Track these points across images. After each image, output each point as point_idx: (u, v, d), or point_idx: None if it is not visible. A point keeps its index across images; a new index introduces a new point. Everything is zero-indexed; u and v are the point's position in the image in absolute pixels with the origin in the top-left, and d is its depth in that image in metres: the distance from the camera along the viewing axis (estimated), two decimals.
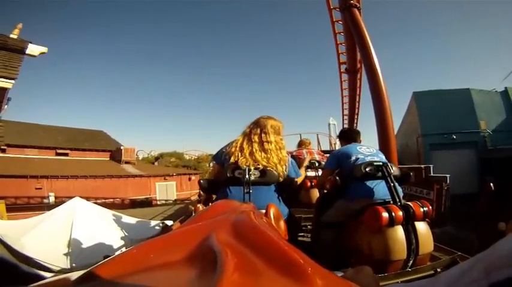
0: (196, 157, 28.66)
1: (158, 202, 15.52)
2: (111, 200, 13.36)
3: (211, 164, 1.46)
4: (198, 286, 0.29)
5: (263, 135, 1.46)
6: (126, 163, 17.10)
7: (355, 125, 11.73)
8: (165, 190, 16.55)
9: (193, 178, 18.07)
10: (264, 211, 0.77)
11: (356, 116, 11.55)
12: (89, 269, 0.33)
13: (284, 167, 1.43)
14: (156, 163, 23.07)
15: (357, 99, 10.89)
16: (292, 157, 3.20)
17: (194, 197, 15.09)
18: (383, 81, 5.56)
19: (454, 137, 10.42)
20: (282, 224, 0.85)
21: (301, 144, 3.43)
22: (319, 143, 11.67)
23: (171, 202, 15.61)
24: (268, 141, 1.44)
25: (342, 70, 9.89)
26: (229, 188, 1.37)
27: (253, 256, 0.34)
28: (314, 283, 0.29)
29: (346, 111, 12.13)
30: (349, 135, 1.94)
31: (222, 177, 1.41)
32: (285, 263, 0.32)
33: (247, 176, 1.33)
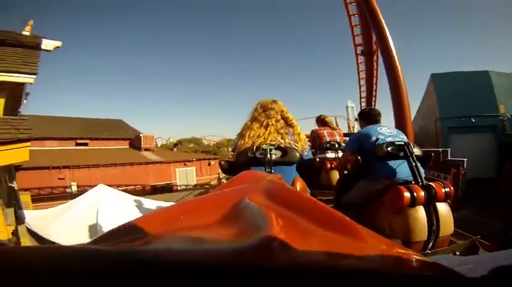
0: (215, 142, 29.90)
1: (179, 187, 16.47)
2: (133, 187, 14.05)
3: (229, 155, 1.61)
4: (242, 241, 0.28)
5: (276, 115, 1.55)
6: (146, 150, 18.09)
7: (373, 107, 11.87)
8: (185, 176, 17.56)
9: (212, 162, 18.97)
10: None
11: (374, 98, 12.05)
12: (117, 226, 0.34)
13: (302, 146, 1.53)
14: (174, 149, 24.38)
15: (374, 81, 11.34)
16: (313, 135, 3.41)
17: (214, 182, 15.68)
18: (399, 64, 5.83)
19: (473, 120, 10.74)
20: None
21: (323, 122, 3.48)
22: (337, 125, 11.82)
23: (191, 186, 16.66)
24: (280, 121, 1.53)
25: (358, 52, 10.27)
26: (250, 169, 1.43)
27: (295, 214, 0.35)
28: (366, 240, 0.30)
29: (363, 94, 12.67)
30: (369, 116, 2.00)
31: (242, 158, 1.51)
32: (333, 222, 0.33)
33: (268, 155, 1.42)
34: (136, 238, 0.32)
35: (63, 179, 13.30)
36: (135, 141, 18.30)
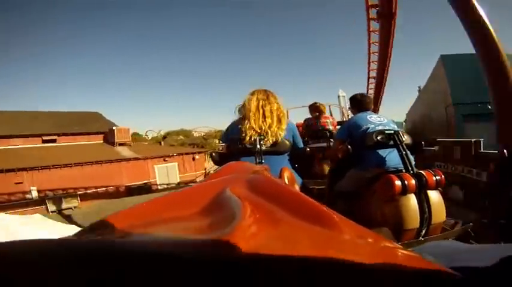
0: (203, 134, 29.60)
1: (159, 187, 15.40)
2: (104, 188, 13.14)
3: (220, 147, 1.66)
4: (211, 233, 0.29)
5: (266, 105, 1.57)
6: (120, 144, 16.66)
7: (383, 87, 11.68)
8: (166, 173, 16.34)
9: (197, 157, 17.84)
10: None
11: (385, 76, 10.97)
12: (96, 221, 0.35)
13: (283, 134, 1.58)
14: (162, 143, 23.82)
15: (388, 55, 9.87)
16: (306, 124, 3.45)
17: (200, 178, 15.14)
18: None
19: (490, 107, 9.44)
20: (297, 188, 0.96)
21: (316, 110, 3.47)
22: (331, 114, 11.96)
23: (174, 185, 15.44)
24: (271, 111, 1.56)
25: (371, 16, 8.43)
26: (240, 159, 1.50)
27: (273, 206, 0.35)
28: (342, 230, 0.30)
29: (373, 74, 11.58)
30: (360, 103, 2.02)
31: (233, 149, 1.57)
32: (309, 212, 0.33)
33: (258, 145, 1.48)
34: (114, 231, 0.33)
35: (21, 183, 11.75)
36: (108, 136, 16.81)
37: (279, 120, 1.58)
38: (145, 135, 26.14)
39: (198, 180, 14.87)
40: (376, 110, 10.37)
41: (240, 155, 1.55)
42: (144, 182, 14.94)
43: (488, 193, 2.59)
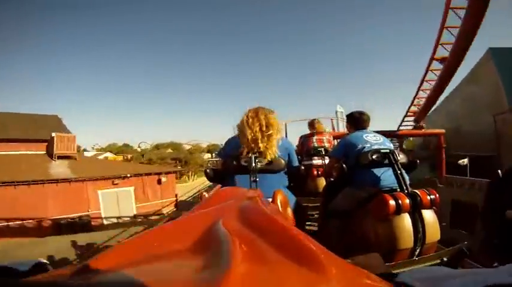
0: (190, 147, 30.34)
1: (104, 221, 13.27)
2: (19, 222, 11.27)
3: (215, 161, 1.94)
4: (204, 277, 0.33)
5: (264, 123, 1.84)
6: (61, 157, 14.34)
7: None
8: (116, 201, 14.04)
9: (164, 179, 15.49)
10: (270, 199, 1.02)
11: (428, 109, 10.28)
12: (88, 260, 0.39)
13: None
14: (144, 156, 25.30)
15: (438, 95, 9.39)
16: (301, 142, 3.94)
17: (169, 210, 13.91)
18: None
19: None
20: (289, 211, 1.17)
21: (312, 127, 4.01)
22: (333, 128, 12.86)
23: (128, 219, 13.52)
24: (269, 130, 1.83)
25: (435, 56, 8.65)
26: (235, 177, 1.75)
27: (263, 243, 0.43)
28: (328, 270, 0.35)
29: (414, 108, 10.76)
30: (358, 121, 2.33)
31: (228, 166, 1.79)
32: (297, 250, 0.40)
33: (253, 164, 1.69)
34: (96, 272, 0.37)
35: None
36: (49, 145, 14.66)
37: (268, 137, 1.82)
38: (138, 147, 28.03)
39: (167, 212, 13.76)
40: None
41: (235, 172, 1.77)
42: (81, 214, 12.74)
43: (482, 212, 3.08)
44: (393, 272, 0.60)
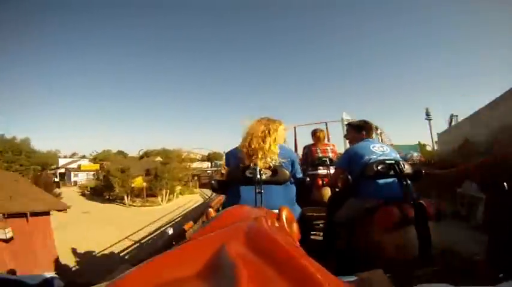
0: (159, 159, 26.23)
1: None
2: None
3: (223, 169, 2.01)
4: None
5: (269, 134, 1.87)
6: None
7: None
8: None
9: (9, 234, 7.59)
10: (276, 211, 1.04)
11: None
12: None
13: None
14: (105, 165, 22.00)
15: None
16: (305, 151, 3.97)
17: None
18: None
19: None
20: (295, 226, 1.20)
21: (317, 137, 4.03)
22: (328, 137, 13.18)
23: None
24: (272, 139, 1.86)
25: None
26: (240, 189, 1.77)
27: (266, 267, 0.44)
28: None
29: None
30: (363, 129, 2.35)
31: (232, 177, 1.84)
32: (297, 273, 0.42)
33: (258, 175, 1.72)
34: None
35: None
36: None
37: (270, 147, 1.85)
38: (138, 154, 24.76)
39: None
40: None
41: (239, 183, 1.80)
42: None
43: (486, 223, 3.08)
44: None
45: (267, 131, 1.88)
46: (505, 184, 2.63)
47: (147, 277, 0.45)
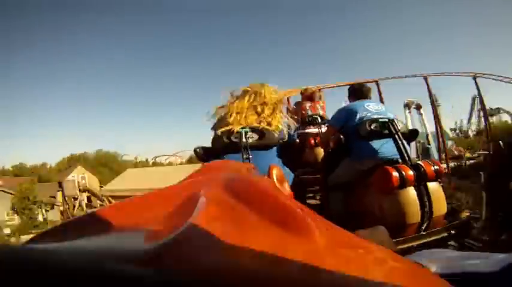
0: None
1: None
2: None
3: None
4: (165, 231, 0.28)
5: (256, 97, 1.75)
6: None
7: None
8: None
9: None
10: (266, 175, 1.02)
11: None
12: (51, 227, 0.35)
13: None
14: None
15: None
16: (295, 109, 3.62)
17: None
18: None
19: None
20: (287, 187, 1.11)
21: (306, 95, 3.75)
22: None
23: None
24: (263, 103, 1.74)
25: None
26: (226, 156, 1.65)
27: (239, 205, 0.37)
28: (313, 235, 0.30)
29: None
30: (359, 91, 2.22)
31: (218, 143, 1.70)
32: (279, 213, 0.35)
33: (244, 139, 1.60)
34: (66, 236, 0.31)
35: None
36: None
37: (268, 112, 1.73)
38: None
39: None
40: None
41: (225, 151, 1.67)
42: None
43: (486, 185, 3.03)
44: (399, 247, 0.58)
45: (252, 94, 1.78)
46: (500, 142, 2.59)
47: (101, 219, 0.37)
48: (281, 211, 0.35)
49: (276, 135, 1.72)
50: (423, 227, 1.71)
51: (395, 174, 1.64)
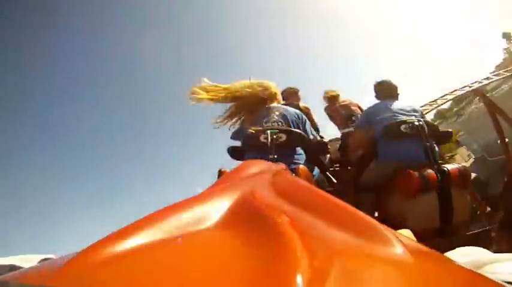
0: None
1: None
2: None
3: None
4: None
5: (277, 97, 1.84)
6: None
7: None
8: None
9: None
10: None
11: None
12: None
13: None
14: None
15: None
16: (336, 109, 3.48)
17: None
18: None
19: None
20: (314, 185, 1.14)
21: (332, 98, 3.58)
22: None
23: None
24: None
25: None
26: (252, 156, 1.69)
27: (314, 218, 0.33)
28: (396, 246, 0.28)
29: None
30: (386, 89, 2.22)
31: (246, 143, 1.78)
32: (356, 224, 0.32)
33: (269, 139, 1.63)
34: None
35: None
36: None
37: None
38: None
39: None
40: None
41: (252, 149, 1.72)
42: None
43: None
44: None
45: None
46: None
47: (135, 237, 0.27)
48: (356, 219, 0.32)
49: (303, 134, 1.76)
50: (443, 233, 1.70)
51: (417, 178, 1.62)
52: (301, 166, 1.03)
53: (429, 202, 1.66)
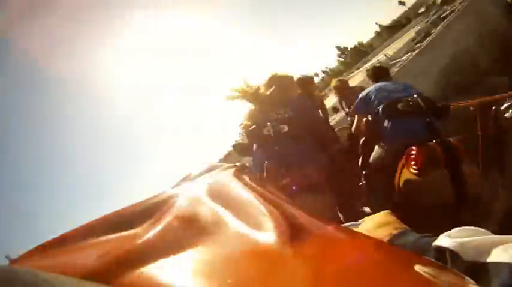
0: None
1: None
2: None
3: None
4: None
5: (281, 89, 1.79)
6: None
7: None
8: None
9: None
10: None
11: None
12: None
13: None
14: None
15: None
16: (346, 95, 3.38)
17: None
18: None
19: None
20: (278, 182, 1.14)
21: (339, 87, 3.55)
22: None
23: None
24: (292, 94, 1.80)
25: None
26: (259, 148, 1.70)
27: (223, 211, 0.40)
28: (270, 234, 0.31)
29: None
30: (378, 73, 2.28)
31: (252, 138, 1.76)
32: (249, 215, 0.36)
33: (271, 131, 1.63)
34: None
35: None
36: None
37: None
38: None
39: None
40: None
41: (259, 143, 1.71)
42: None
43: None
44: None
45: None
46: None
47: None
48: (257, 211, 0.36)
49: (307, 124, 1.74)
50: (457, 211, 1.63)
51: (425, 154, 1.59)
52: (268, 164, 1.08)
53: (440, 179, 1.61)
